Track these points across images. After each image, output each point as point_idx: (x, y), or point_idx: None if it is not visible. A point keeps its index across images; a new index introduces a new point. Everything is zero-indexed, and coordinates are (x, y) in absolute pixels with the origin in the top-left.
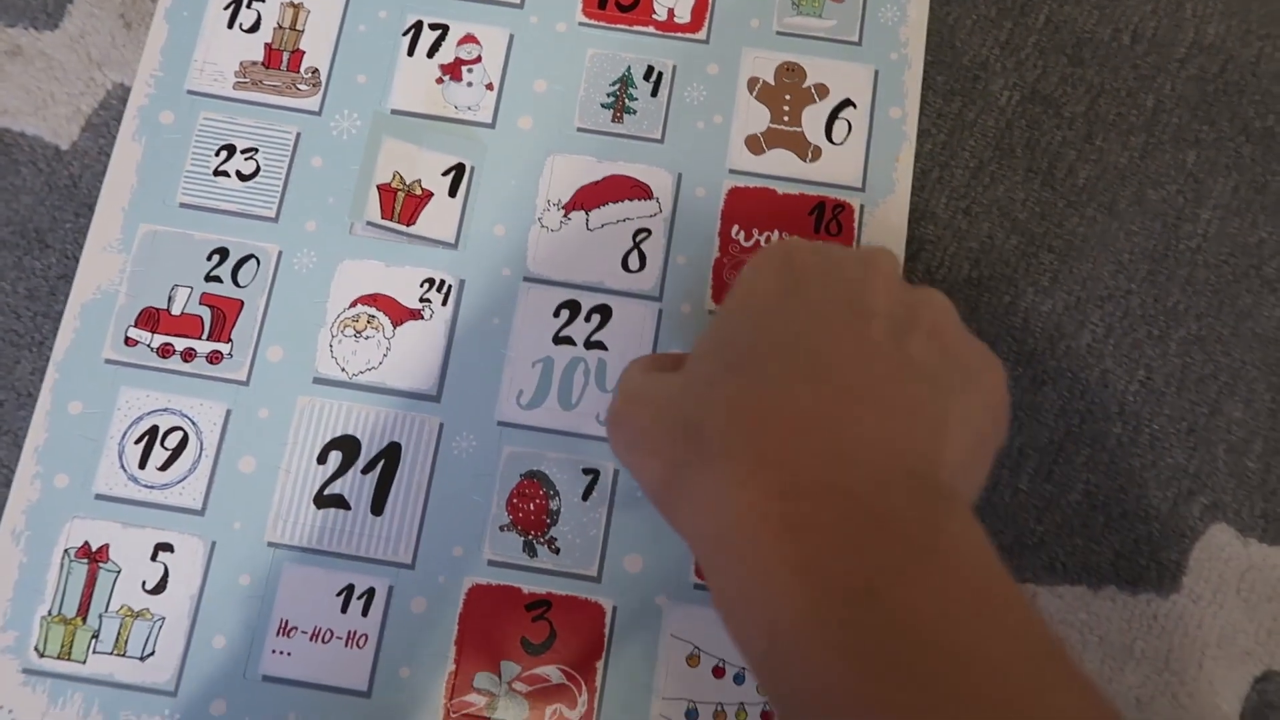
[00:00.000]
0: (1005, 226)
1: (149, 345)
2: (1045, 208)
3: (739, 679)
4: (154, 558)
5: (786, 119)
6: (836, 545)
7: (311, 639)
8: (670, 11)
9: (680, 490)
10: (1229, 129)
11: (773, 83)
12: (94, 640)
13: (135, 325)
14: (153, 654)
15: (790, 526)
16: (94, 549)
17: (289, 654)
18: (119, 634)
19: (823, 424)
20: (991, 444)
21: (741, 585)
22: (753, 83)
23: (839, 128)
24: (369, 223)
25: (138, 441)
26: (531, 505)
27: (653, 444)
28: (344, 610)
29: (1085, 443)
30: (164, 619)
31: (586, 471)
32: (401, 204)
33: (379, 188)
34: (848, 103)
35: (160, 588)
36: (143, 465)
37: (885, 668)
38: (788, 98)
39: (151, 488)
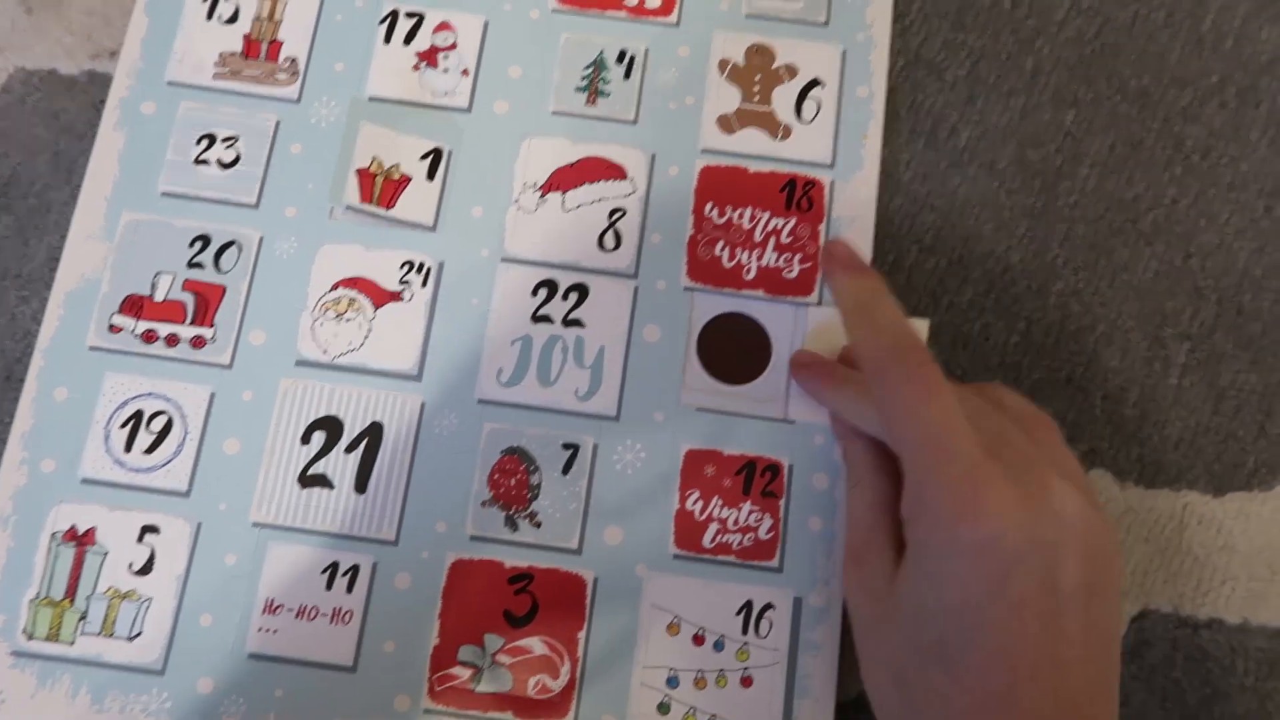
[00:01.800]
0: (890, 187)
1: (133, 331)
2: (929, 168)
3: (719, 646)
4: (140, 539)
5: (757, 99)
6: None
7: (297, 616)
8: None
9: None
10: (1106, 89)
11: (743, 64)
12: (82, 621)
13: (119, 312)
14: (140, 634)
15: None
16: (81, 532)
17: (275, 631)
18: (107, 615)
19: None
20: None
21: None
22: (723, 64)
23: (808, 107)
24: (348, 206)
25: (123, 426)
26: (512, 480)
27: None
28: (329, 587)
29: None
30: (151, 599)
31: (566, 446)
32: (380, 188)
33: (358, 172)
34: (816, 82)
35: (147, 569)
36: (128, 449)
37: None
38: (758, 78)
39: (137, 471)
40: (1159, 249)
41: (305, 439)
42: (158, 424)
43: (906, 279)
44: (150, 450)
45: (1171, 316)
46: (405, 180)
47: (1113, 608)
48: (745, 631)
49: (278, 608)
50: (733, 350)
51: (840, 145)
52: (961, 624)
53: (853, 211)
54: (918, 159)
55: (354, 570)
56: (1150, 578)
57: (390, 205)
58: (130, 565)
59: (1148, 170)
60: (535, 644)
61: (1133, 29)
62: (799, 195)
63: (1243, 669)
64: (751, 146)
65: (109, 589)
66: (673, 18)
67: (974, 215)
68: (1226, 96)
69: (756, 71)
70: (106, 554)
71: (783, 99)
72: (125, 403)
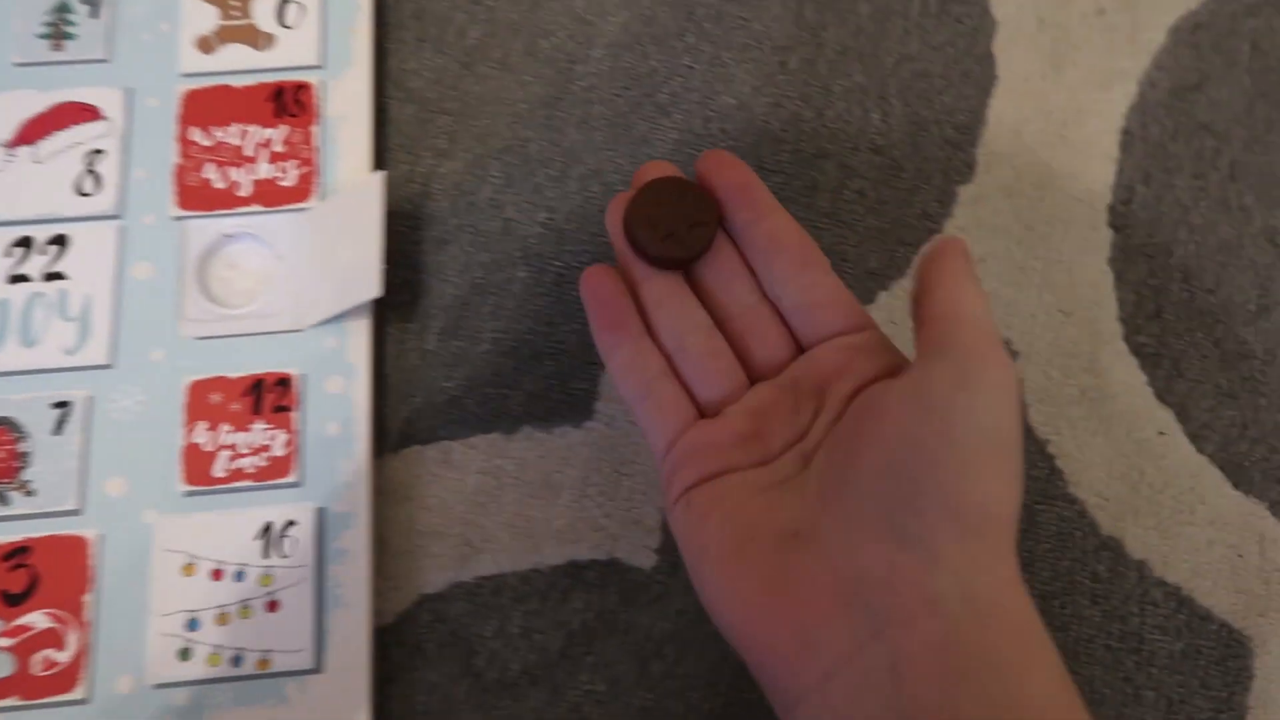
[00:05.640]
0: (400, 97)
1: None
2: (439, 73)
3: (240, 576)
4: None
5: (236, 14)
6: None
7: None
8: None
9: None
10: None
11: None
12: None
13: None
14: None
15: None
16: None
17: None
18: None
19: None
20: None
21: None
22: None
23: (291, 12)
24: None
25: None
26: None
27: None
28: None
29: (491, 292)
30: None
31: (56, 405)
32: None
33: None
34: None
35: None
36: None
37: None
38: None
39: None
40: (678, 118)
41: None
42: None
43: (423, 187)
44: None
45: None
46: None
47: None
48: (266, 555)
49: None
50: (678, 219)
51: (329, 44)
52: (988, 442)
53: (346, 108)
54: (427, 65)
55: None
56: None
57: None
58: None
59: (661, 43)
60: (37, 619)
61: None
62: (288, 102)
63: None
64: (235, 62)
65: None
66: None
67: (488, 113)
68: None
69: None
70: None
71: (263, 9)
72: None
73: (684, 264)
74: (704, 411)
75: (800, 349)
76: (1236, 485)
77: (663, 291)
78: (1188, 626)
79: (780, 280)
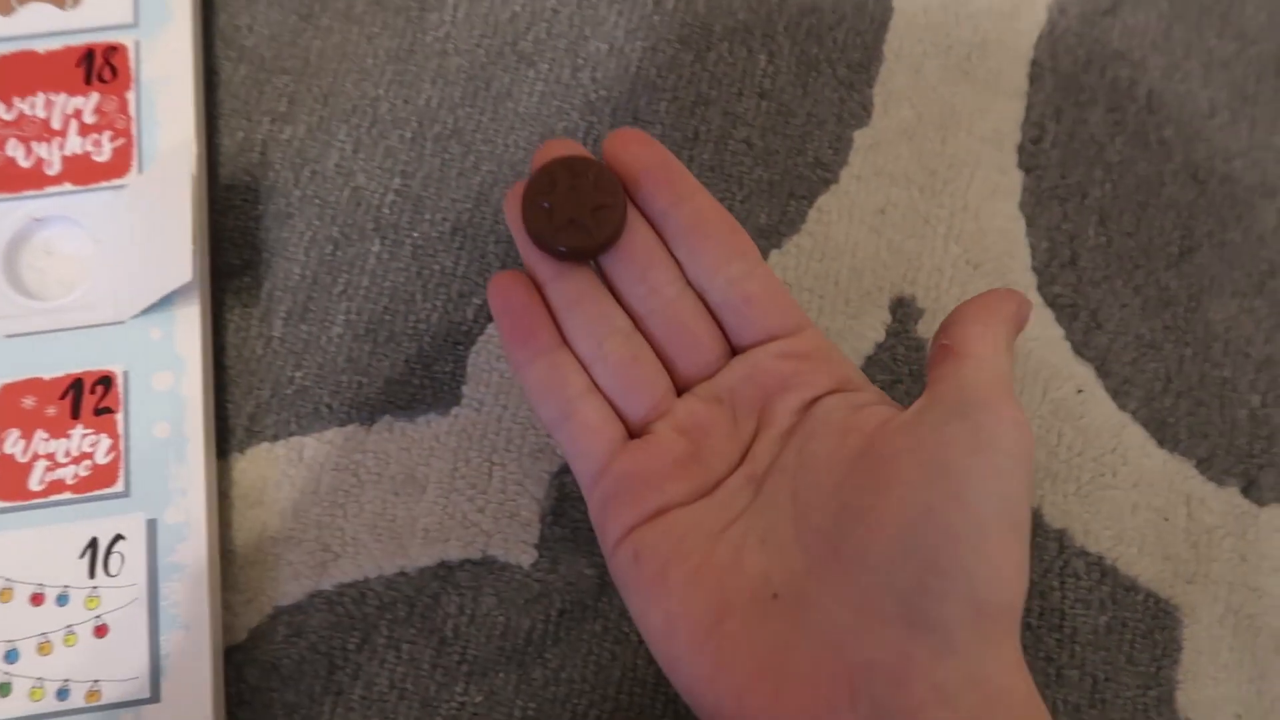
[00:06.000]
0: (231, 55)
1: None
2: (275, 28)
3: (63, 600)
4: None
5: None
6: None
7: None
8: None
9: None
10: None
11: None
12: None
13: None
14: None
15: None
16: None
17: None
18: None
19: None
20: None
21: None
22: None
23: None
24: None
25: None
26: None
27: None
28: None
29: (342, 269)
30: None
31: None
32: None
33: None
34: None
35: None
36: None
37: None
38: None
39: None
40: (544, 68)
41: None
42: None
43: (261, 154)
44: None
45: (562, 136)
46: None
47: None
48: (92, 575)
49: None
50: (579, 203)
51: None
52: (1004, 515)
53: (166, 70)
54: (261, 19)
55: None
56: None
57: None
58: None
59: None
60: None
61: None
62: (99, 65)
63: None
64: (37, 24)
65: None
66: None
67: (332, 71)
68: None
69: None
70: None
71: None
72: None
73: (592, 254)
74: (631, 429)
75: (730, 345)
76: (1161, 443)
77: (573, 291)
78: (1112, 598)
79: (707, 271)
